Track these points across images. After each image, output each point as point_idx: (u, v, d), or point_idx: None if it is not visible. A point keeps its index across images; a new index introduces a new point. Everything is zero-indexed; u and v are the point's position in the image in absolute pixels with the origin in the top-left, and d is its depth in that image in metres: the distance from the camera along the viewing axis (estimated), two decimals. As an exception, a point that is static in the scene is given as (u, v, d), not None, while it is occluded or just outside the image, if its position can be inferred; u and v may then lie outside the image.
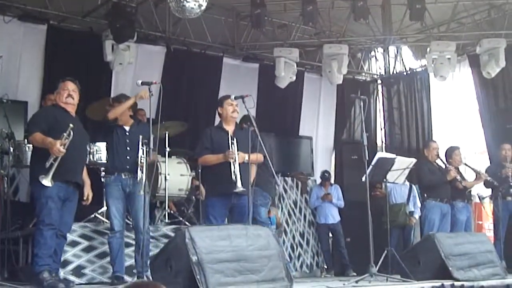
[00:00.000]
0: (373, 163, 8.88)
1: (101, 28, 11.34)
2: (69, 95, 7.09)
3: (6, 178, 8.33)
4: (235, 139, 7.63)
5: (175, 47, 12.52)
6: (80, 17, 11.16)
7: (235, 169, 7.51)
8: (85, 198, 7.34)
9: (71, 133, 6.69)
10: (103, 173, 8.76)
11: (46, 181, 6.61)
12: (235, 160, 7.52)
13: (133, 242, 7.72)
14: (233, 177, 7.50)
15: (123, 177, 7.54)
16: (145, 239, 7.33)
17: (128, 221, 7.87)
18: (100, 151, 8.76)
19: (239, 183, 7.50)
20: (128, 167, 7.52)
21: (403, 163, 9.52)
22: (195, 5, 9.55)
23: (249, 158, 7.52)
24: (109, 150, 7.83)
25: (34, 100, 10.79)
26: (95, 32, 11.54)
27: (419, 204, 11.64)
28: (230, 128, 7.88)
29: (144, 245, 7.18)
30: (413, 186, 11.80)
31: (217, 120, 8.36)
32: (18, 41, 10.91)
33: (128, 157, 7.59)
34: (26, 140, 8.73)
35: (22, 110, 10.38)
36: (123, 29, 10.57)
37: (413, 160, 9.75)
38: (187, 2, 9.48)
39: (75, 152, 6.84)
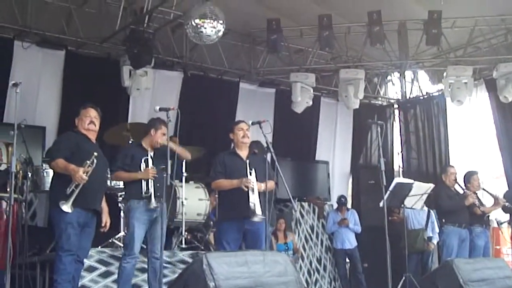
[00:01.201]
0: (390, 188, 8.85)
1: (118, 53, 11.44)
2: (92, 122, 7.14)
3: (24, 203, 8.34)
4: (253, 169, 7.59)
5: (192, 72, 12.59)
6: (98, 43, 11.23)
7: (253, 197, 7.45)
8: (103, 225, 7.32)
9: (95, 161, 6.73)
10: (120, 198, 8.81)
11: (66, 207, 6.63)
12: (253, 189, 7.48)
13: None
14: (251, 206, 7.41)
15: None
16: (161, 264, 7.33)
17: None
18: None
19: (258, 211, 7.43)
20: (158, 193, 7.49)
21: (421, 189, 9.47)
22: (212, 31, 9.63)
23: (266, 186, 7.44)
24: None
25: (52, 125, 10.87)
26: (112, 57, 11.63)
27: (437, 230, 11.54)
28: (243, 153, 7.87)
29: (161, 271, 7.17)
30: (431, 211, 11.72)
31: (235, 145, 8.33)
32: (36, 66, 11.01)
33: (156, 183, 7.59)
34: (44, 165, 8.80)
35: (40, 135, 10.44)
36: (140, 55, 10.63)
37: (431, 186, 9.69)
38: (204, 28, 9.55)
39: (95, 180, 6.86)
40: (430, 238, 11.74)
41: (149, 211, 7.43)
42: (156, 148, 7.71)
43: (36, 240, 8.74)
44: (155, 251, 7.48)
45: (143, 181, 7.48)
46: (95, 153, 6.78)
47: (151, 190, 7.43)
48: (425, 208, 11.28)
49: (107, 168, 7.41)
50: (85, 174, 6.66)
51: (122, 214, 8.97)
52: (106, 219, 7.35)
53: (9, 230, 6.65)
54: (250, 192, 7.43)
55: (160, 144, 7.63)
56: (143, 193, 7.43)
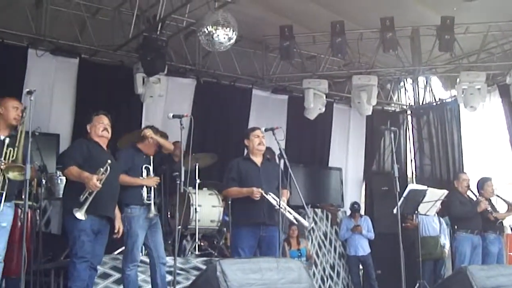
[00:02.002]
0: (404, 195, 8.83)
1: (132, 61, 11.48)
2: (105, 129, 7.19)
3: (38, 210, 8.37)
4: (269, 195, 7.54)
5: (205, 79, 12.63)
6: (111, 50, 11.27)
7: (291, 216, 7.61)
8: (116, 231, 7.33)
9: (108, 169, 6.75)
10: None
11: (80, 214, 6.65)
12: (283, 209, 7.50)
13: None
14: (296, 223, 7.84)
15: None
16: (175, 270, 7.35)
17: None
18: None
19: (305, 223, 7.90)
20: (157, 200, 7.57)
21: (435, 195, 9.45)
22: (224, 38, 9.65)
23: (280, 199, 7.44)
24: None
25: (66, 133, 10.92)
26: (126, 65, 11.67)
27: (448, 236, 11.53)
28: (257, 159, 7.88)
29: (175, 277, 7.19)
30: (441, 218, 11.69)
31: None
32: (50, 74, 11.07)
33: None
34: (58, 173, 8.83)
35: (54, 143, 10.49)
36: (153, 62, 10.66)
37: (445, 192, 9.66)
38: (216, 35, 9.58)
39: (108, 187, 6.88)
40: (443, 245, 11.71)
41: (149, 218, 7.51)
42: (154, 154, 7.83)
43: (50, 247, 8.79)
44: (163, 257, 7.58)
45: (144, 187, 7.54)
46: (109, 161, 6.81)
47: (152, 197, 7.50)
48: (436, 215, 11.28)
49: (119, 175, 7.41)
50: (99, 181, 6.69)
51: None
52: (118, 225, 7.35)
53: (23, 237, 6.67)
54: (288, 214, 7.50)
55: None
56: (145, 199, 7.49)
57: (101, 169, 6.75)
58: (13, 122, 6.53)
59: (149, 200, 7.52)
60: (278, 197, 7.38)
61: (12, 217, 6.51)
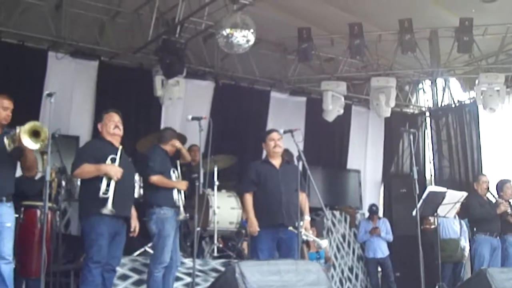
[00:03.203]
0: (423, 197, 8.80)
1: (151, 64, 11.52)
2: (116, 126, 7.09)
3: (58, 211, 8.42)
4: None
5: (223, 81, 12.67)
6: (131, 53, 11.33)
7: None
8: (132, 230, 7.28)
9: (117, 159, 6.80)
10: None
11: (107, 210, 6.59)
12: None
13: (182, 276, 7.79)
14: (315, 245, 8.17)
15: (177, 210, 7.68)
16: (194, 272, 7.37)
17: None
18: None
19: (323, 243, 8.00)
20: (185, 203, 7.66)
21: (454, 197, 9.40)
22: (243, 40, 9.66)
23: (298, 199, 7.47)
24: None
25: (86, 135, 10.94)
26: (145, 68, 11.73)
27: (467, 239, 11.48)
28: (276, 162, 7.91)
29: (193, 280, 7.23)
30: (461, 220, 11.64)
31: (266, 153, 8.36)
32: (70, 77, 11.13)
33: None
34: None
35: (74, 145, 10.52)
36: (172, 65, 10.69)
37: (464, 194, 9.61)
38: (235, 37, 9.59)
39: (124, 186, 6.85)
40: (464, 248, 11.65)
41: (178, 220, 7.61)
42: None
43: (70, 248, 8.83)
44: (180, 259, 7.70)
45: (175, 189, 7.61)
46: (120, 146, 6.89)
47: (182, 200, 7.57)
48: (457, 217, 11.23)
49: (134, 174, 7.41)
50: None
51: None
52: (135, 224, 7.29)
53: (43, 238, 6.70)
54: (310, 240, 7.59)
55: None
56: (176, 202, 7.56)
57: (109, 159, 6.79)
58: (2, 121, 6.47)
59: (178, 203, 7.61)
60: (297, 199, 7.38)
61: (14, 217, 6.51)
